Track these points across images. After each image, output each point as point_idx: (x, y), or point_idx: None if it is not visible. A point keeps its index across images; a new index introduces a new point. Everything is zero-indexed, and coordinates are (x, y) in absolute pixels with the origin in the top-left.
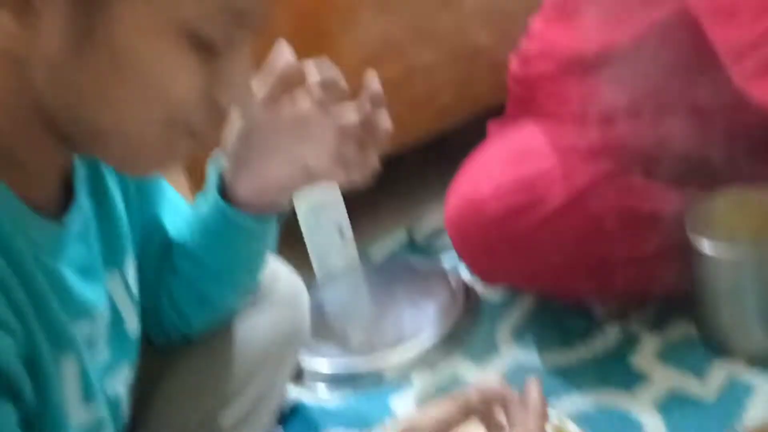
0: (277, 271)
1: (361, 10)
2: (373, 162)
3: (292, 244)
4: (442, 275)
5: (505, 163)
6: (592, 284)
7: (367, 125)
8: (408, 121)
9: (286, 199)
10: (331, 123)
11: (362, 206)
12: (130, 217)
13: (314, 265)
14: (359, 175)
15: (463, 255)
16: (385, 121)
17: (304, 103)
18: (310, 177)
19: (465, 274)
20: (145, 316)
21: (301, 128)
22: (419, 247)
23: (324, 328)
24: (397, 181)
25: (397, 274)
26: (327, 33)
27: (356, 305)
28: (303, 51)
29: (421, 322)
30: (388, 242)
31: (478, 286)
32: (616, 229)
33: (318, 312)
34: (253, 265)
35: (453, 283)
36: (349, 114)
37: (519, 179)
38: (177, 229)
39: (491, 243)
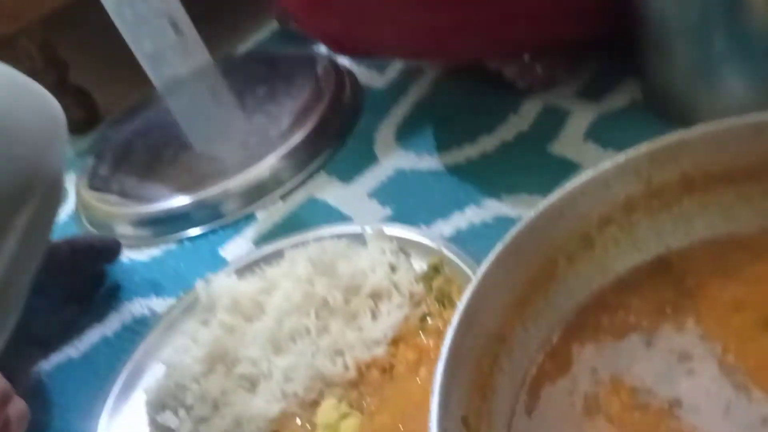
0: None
1: None
2: None
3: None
4: (311, 64)
5: None
6: (489, 38)
7: None
8: None
9: None
10: None
11: None
12: None
13: (148, 72)
14: None
15: (308, 20)
16: None
17: None
18: None
19: (342, 59)
20: None
21: None
22: (293, 36)
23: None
24: None
25: (259, 70)
26: None
27: (198, 116)
28: None
29: (275, 130)
30: (256, 33)
31: (360, 72)
32: None
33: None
34: None
35: (321, 71)
36: None
37: None
38: None
39: None
